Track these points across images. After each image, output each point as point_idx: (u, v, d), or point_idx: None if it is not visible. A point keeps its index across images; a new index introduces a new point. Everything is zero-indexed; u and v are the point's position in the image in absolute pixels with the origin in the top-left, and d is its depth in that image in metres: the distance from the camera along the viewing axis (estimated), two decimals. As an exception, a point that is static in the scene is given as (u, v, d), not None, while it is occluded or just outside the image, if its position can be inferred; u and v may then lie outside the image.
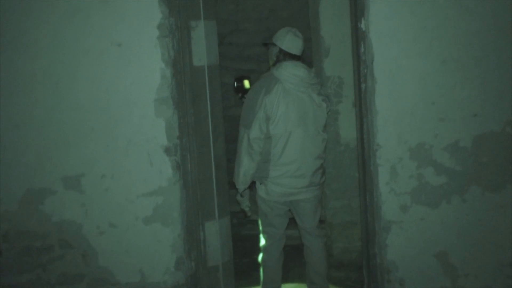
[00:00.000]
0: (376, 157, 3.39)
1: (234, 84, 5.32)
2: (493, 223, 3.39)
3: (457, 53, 3.29)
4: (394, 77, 3.32)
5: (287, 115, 4.31)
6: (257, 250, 4.83)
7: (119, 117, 3.42)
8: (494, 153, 3.34)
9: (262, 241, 4.70)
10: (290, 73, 4.33)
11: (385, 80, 3.32)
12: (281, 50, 4.44)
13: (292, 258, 5.51)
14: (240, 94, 5.27)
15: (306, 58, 5.50)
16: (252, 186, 4.58)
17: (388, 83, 3.33)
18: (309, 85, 4.37)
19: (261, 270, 4.72)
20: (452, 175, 3.36)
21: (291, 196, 4.46)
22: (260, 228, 4.72)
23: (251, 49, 8.00)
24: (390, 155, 3.37)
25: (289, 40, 4.42)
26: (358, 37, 3.64)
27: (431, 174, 3.37)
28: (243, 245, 6.24)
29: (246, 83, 5.28)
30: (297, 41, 4.43)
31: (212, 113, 4.30)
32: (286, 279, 5.09)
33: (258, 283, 4.87)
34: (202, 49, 4.17)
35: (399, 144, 3.35)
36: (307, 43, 5.60)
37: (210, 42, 4.25)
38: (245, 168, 4.38)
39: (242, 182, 4.44)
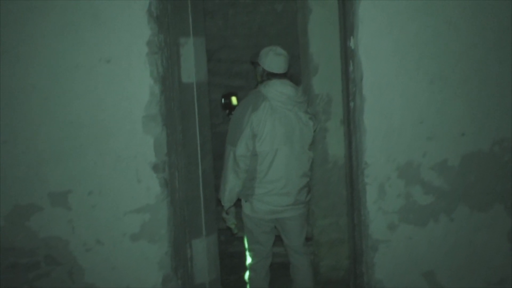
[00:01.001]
0: (364, 175, 3.39)
1: (221, 100, 5.33)
2: (481, 243, 3.40)
3: (445, 71, 3.31)
4: (383, 96, 3.33)
5: (273, 132, 4.33)
6: (245, 267, 4.83)
7: (108, 134, 3.41)
8: (482, 173, 3.36)
9: (249, 259, 4.70)
10: (277, 91, 4.36)
11: (374, 98, 3.34)
12: (264, 70, 4.49)
13: (279, 275, 5.50)
14: (227, 111, 5.27)
15: (295, 75, 5.53)
16: (237, 203, 4.58)
17: (377, 101, 3.34)
18: (296, 103, 4.40)
19: (248, 288, 4.71)
20: (440, 194, 3.38)
21: (276, 214, 4.47)
22: (246, 245, 4.71)
23: (240, 65, 8.02)
24: (378, 174, 3.38)
25: (270, 60, 4.46)
26: (347, 55, 3.66)
27: (419, 193, 3.38)
28: (231, 262, 6.22)
29: (234, 100, 5.29)
30: (278, 60, 4.46)
31: (201, 130, 4.30)
32: (273, 297, 5.08)
33: (245, 301, 4.85)
34: (191, 66, 4.18)
35: (387, 163, 3.36)
36: (296, 60, 5.63)
37: (199, 59, 4.26)
38: (231, 185, 4.40)
39: (227, 199, 4.45)
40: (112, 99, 3.40)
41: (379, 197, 3.39)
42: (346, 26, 3.63)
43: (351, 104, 3.57)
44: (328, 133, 5.27)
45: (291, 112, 4.39)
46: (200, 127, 4.30)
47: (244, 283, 4.83)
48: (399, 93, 3.32)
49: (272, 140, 4.36)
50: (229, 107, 5.26)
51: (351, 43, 3.44)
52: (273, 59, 4.47)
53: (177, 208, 3.77)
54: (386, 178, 3.37)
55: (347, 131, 3.94)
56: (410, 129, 3.34)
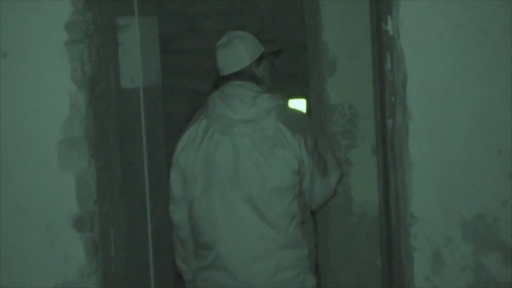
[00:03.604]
0: (410, 236, 3.36)
1: None
2: None
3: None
4: (439, 110, 3.30)
5: (205, 170, 4.35)
6: None
7: (4, 171, 3.39)
8: None
9: None
10: (214, 106, 4.38)
11: (424, 113, 3.30)
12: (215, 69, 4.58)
13: None
14: None
15: (299, 74, 5.52)
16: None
17: (429, 118, 3.30)
18: (246, 124, 4.36)
19: None
20: (529, 265, 3.35)
21: None
22: None
23: (213, 59, 8.02)
24: (432, 233, 3.34)
25: (215, 56, 4.53)
26: (381, 46, 3.64)
27: (497, 263, 3.34)
28: None
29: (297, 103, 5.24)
30: (219, 55, 4.52)
31: (151, 162, 4.30)
32: None
33: None
34: (136, 62, 4.18)
35: (445, 216, 3.33)
36: (301, 52, 5.62)
37: (148, 51, 4.26)
38: (176, 249, 4.55)
39: (180, 268, 4.59)
40: (10, 115, 3.38)
41: (433, 270, 3.35)
42: (380, 1, 3.62)
43: (389, 123, 3.55)
44: (352, 169, 5.24)
45: (239, 138, 4.38)
46: (150, 157, 4.29)
47: None
48: (463, 106, 3.29)
49: (201, 183, 4.40)
50: None
51: (389, 27, 3.41)
52: (218, 55, 4.59)
53: (113, 286, 3.74)
54: (445, 240, 3.34)
55: (382, 165, 3.92)
56: (481, 163, 3.31)
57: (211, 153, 4.33)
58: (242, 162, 4.35)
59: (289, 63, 5.10)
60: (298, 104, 5.12)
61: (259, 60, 4.58)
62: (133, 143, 4.20)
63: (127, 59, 4.14)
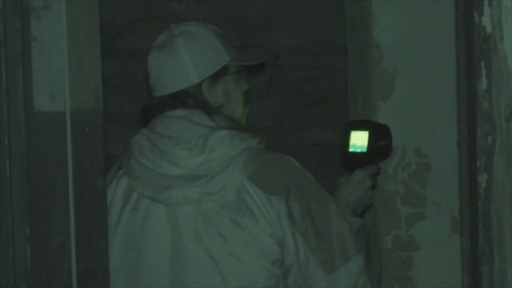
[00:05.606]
0: None
1: (346, 138, 5.23)
2: None
3: None
4: None
5: (128, 263, 4.38)
6: None
7: None
8: None
9: None
10: (144, 150, 4.34)
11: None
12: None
13: None
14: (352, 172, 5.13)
15: (332, 98, 5.56)
16: None
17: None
18: (192, 183, 4.31)
19: None
20: None
21: None
22: None
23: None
24: None
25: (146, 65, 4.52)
26: (472, 52, 3.65)
27: None
28: None
29: (360, 138, 5.23)
30: (157, 65, 4.52)
31: (82, 235, 4.29)
32: None
33: None
34: (60, 70, 4.17)
35: None
36: (337, 59, 5.68)
37: (81, 51, 4.26)
38: None
39: None
40: None
41: None
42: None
43: (482, 179, 3.55)
44: (419, 254, 5.23)
45: (182, 209, 4.35)
46: (80, 227, 4.28)
47: None
48: None
49: (118, 283, 4.43)
50: (355, 160, 5.09)
51: (485, 19, 3.42)
52: (146, 62, 4.63)
53: None
54: None
55: (469, 249, 3.92)
56: None
57: (136, 235, 4.33)
58: (186, 249, 4.28)
59: (315, 80, 5.06)
60: (359, 139, 4.95)
61: (218, 77, 4.48)
62: (54, 203, 4.18)
63: (46, 64, 4.12)
